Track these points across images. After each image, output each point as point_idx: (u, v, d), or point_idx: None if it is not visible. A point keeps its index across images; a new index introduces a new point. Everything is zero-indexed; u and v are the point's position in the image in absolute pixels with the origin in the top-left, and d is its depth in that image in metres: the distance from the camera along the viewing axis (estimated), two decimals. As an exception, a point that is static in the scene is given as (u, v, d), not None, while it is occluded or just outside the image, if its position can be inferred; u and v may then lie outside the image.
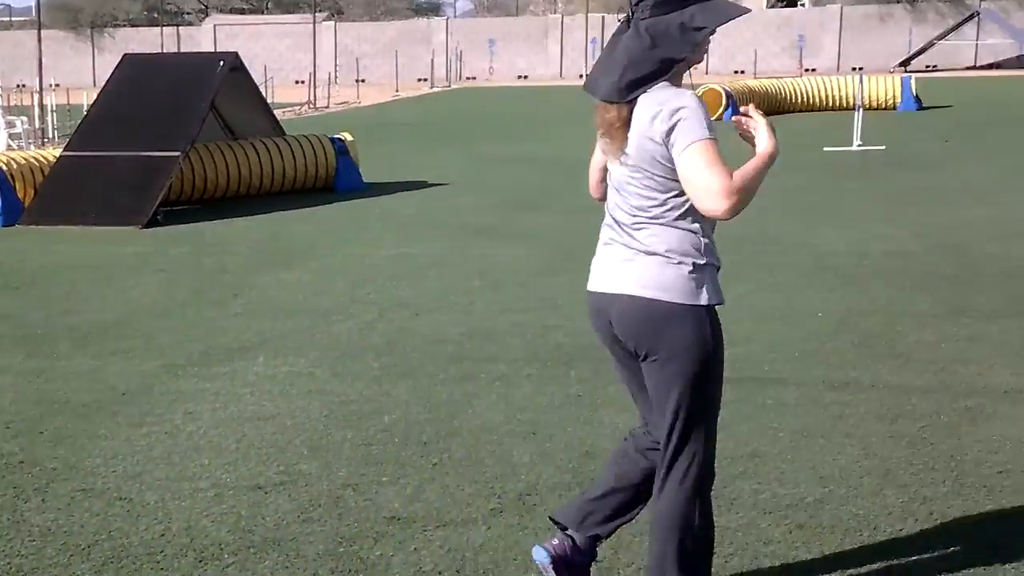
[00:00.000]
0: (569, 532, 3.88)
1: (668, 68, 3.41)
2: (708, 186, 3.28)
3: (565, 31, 55.99)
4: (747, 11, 3.78)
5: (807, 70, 46.89)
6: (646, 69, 3.41)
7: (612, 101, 3.47)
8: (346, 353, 7.27)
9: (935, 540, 4.34)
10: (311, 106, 37.01)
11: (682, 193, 3.41)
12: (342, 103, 39.32)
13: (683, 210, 3.44)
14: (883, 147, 18.79)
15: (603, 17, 56.11)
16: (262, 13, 70.52)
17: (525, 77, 55.68)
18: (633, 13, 3.46)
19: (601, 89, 3.50)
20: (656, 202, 3.47)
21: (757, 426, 5.68)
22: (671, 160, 3.37)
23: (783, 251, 10.26)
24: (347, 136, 16.02)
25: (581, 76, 54.08)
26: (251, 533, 4.57)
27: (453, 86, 50.76)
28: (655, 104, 3.38)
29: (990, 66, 48.42)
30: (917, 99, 27.35)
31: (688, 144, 3.31)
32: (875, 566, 4.17)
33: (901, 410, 5.87)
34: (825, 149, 18.92)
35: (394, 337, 7.64)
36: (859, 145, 18.89)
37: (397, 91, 46.11)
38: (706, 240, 3.49)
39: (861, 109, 19.99)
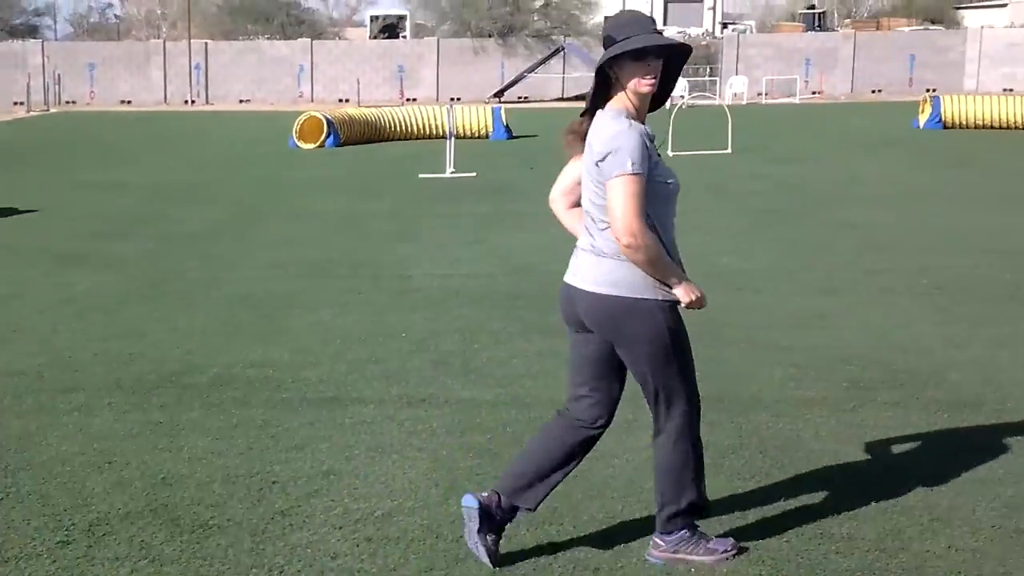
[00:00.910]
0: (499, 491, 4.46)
1: (600, 92, 4.27)
2: (617, 218, 4.05)
3: (168, 57, 54.75)
4: (673, 41, 4.31)
5: (408, 100, 47.96)
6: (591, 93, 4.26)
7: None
8: (-89, 390, 6.93)
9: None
10: None
11: None
12: (-74, 126, 36.90)
13: None
14: (474, 174, 19.55)
15: (206, 43, 55.34)
16: None
17: (128, 102, 54.05)
18: None
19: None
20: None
21: (334, 445, 5.86)
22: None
23: (373, 274, 10.53)
24: (-77, 161, 15.12)
25: (186, 102, 53.12)
26: None
27: (52, 110, 48.63)
28: (596, 129, 4.22)
29: (576, 97, 51.14)
30: (508, 128, 28.54)
31: (613, 175, 4.06)
32: (435, 572, 4.42)
33: (471, 423, 6.21)
34: (420, 176, 19.48)
35: (-34, 371, 7.34)
36: (452, 172, 19.57)
37: (-12, 114, 43.71)
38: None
39: (453, 138, 20.69)
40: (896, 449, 5.71)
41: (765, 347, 7.73)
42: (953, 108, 28.40)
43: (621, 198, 4.02)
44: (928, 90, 46.08)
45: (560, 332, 8.19)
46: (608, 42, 4.24)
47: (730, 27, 69.87)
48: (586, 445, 4.50)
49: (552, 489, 4.51)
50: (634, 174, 4.02)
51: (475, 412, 6.40)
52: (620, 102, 4.24)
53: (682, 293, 4.19)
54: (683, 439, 4.37)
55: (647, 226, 4.08)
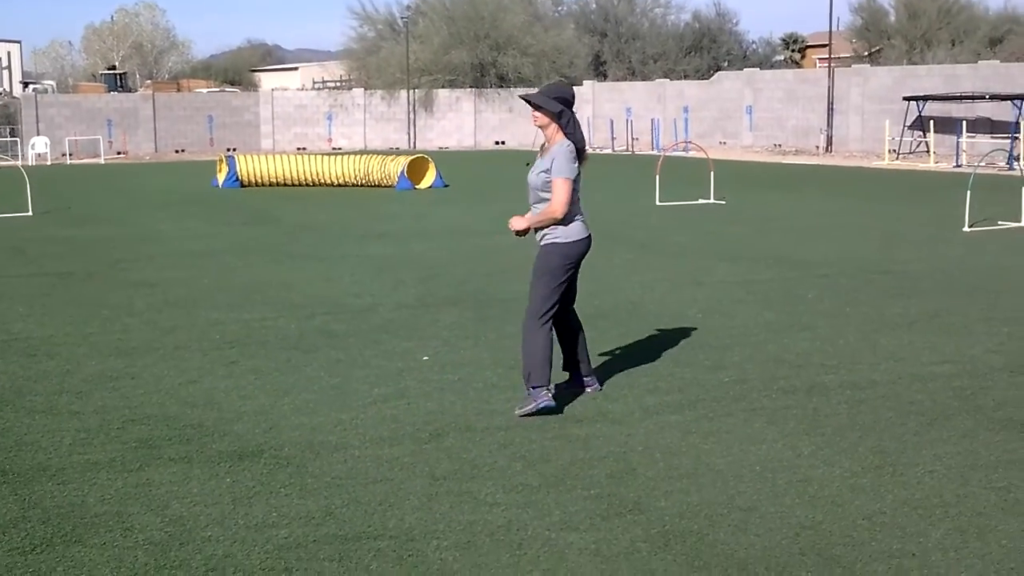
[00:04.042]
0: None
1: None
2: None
3: None
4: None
5: None
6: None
7: None
8: None
9: None
10: None
11: None
12: None
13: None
14: None
15: None
16: None
17: None
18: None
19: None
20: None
21: None
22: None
23: None
24: None
25: None
26: None
27: None
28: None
29: None
30: None
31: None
32: None
33: None
34: None
35: None
36: None
37: None
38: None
39: None
40: (176, 504, 5.86)
41: (56, 413, 7.62)
42: (249, 167, 29.44)
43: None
44: (229, 149, 47.59)
45: None
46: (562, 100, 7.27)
47: (30, 87, 67.54)
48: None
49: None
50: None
51: None
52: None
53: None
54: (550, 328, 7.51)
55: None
